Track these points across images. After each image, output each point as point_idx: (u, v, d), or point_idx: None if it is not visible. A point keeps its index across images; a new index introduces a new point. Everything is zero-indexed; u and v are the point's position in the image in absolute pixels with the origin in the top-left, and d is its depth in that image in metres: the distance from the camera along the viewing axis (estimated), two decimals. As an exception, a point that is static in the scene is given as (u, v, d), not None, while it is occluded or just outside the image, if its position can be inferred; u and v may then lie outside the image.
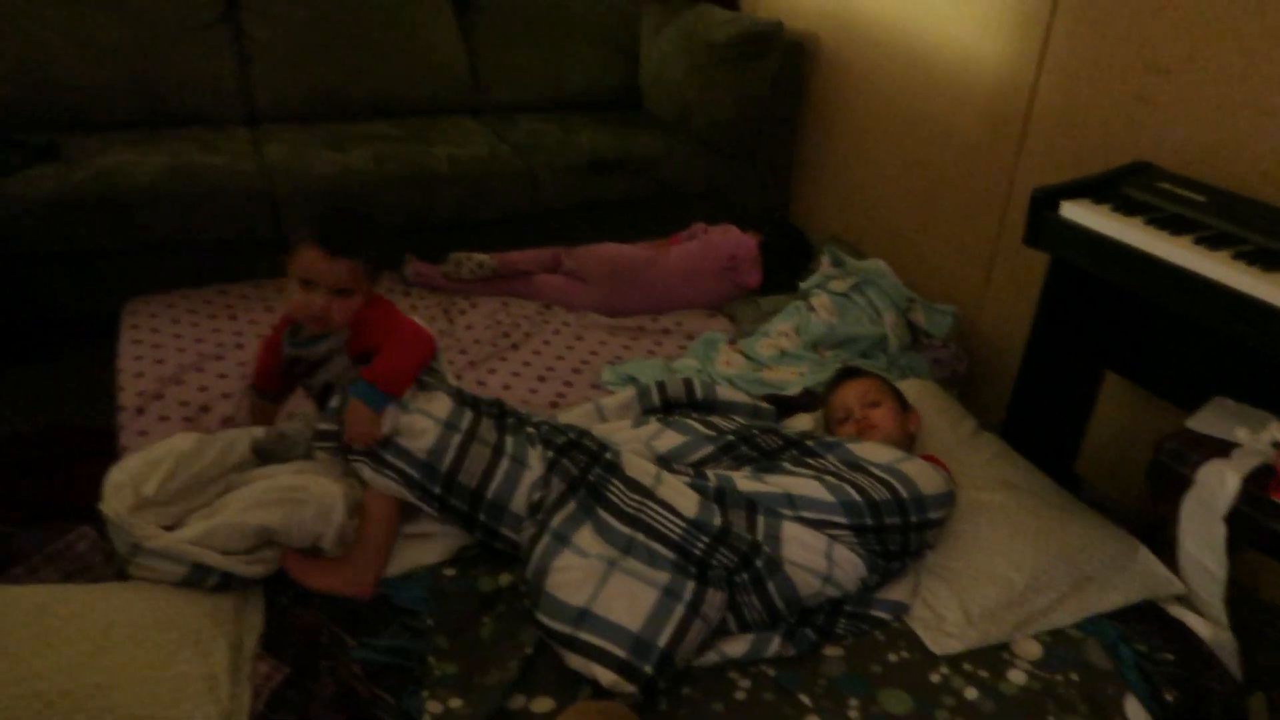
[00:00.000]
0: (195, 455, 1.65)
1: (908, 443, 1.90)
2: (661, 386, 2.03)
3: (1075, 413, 2.25)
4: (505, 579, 1.67)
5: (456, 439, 1.65)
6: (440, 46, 3.16)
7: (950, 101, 2.58)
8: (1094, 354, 2.14)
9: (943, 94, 2.60)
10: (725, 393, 2.07)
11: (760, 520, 1.63)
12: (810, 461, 1.79)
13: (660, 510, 1.60)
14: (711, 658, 1.52)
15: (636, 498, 1.63)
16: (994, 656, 1.58)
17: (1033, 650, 1.60)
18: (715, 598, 1.52)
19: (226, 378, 2.21)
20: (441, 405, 1.68)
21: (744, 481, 1.71)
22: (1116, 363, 2.12)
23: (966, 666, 1.56)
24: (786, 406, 2.18)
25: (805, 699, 1.48)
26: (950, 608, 1.62)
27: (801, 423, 2.09)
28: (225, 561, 1.54)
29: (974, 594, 1.63)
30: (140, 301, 2.47)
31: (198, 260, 2.63)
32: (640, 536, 1.57)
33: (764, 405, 2.08)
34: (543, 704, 1.44)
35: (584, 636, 1.44)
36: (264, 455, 1.73)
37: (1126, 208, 1.81)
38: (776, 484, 1.70)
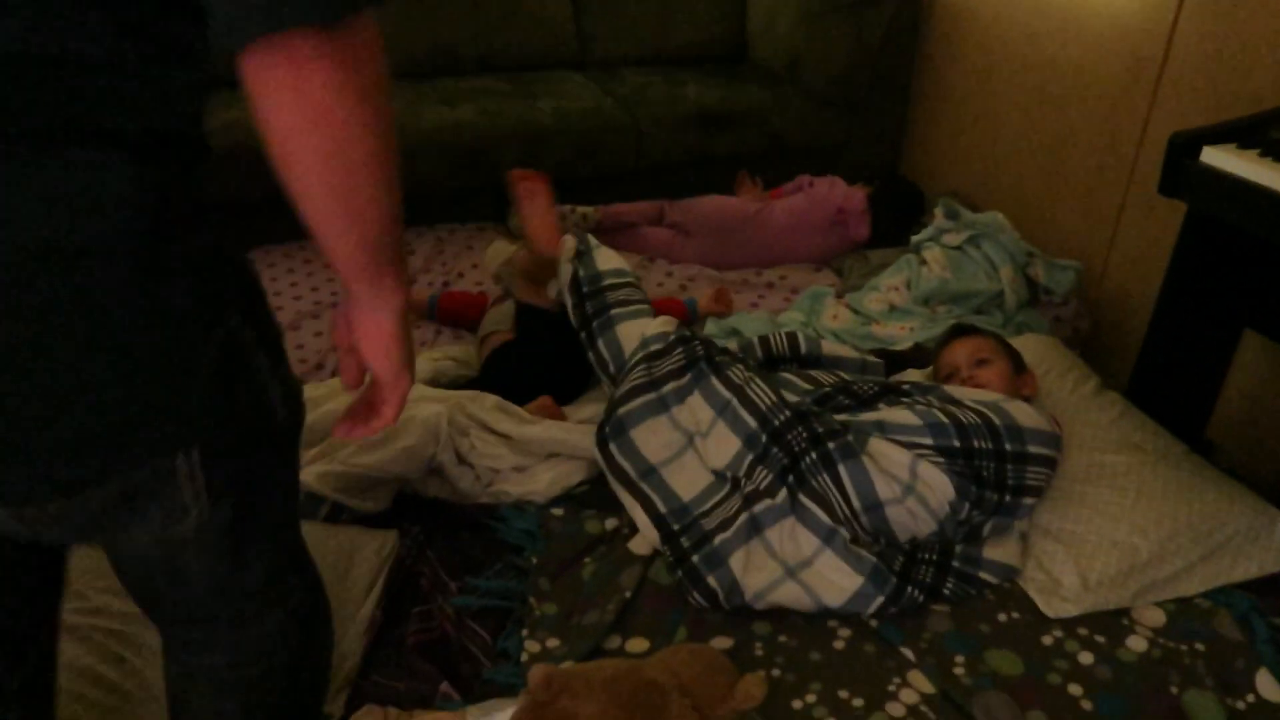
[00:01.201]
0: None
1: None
2: (765, 341, 1.99)
3: (1208, 374, 2.11)
4: (611, 523, 1.68)
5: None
6: (546, 1, 3.15)
7: (1079, 45, 2.44)
8: (1232, 311, 2.00)
9: (1071, 37, 2.46)
10: (831, 347, 2.01)
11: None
12: (903, 400, 1.76)
13: (761, 385, 1.72)
14: (806, 602, 1.49)
15: (746, 374, 1.75)
16: (1112, 622, 1.51)
17: (1155, 617, 1.52)
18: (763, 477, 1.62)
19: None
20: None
21: (837, 416, 1.69)
22: (1258, 321, 1.98)
23: (1082, 630, 1.49)
24: (895, 362, 2.11)
25: (908, 653, 1.44)
26: (1067, 572, 1.55)
27: (911, 378, 2.02)
28: (336, 495, 1.60)
29: (1094, 560, 1.55)
30: (262, 252, 2.56)
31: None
32: (735, 401, 1.70)
33: (872, 359, 2.02)
34: (637, 644, 1.44)
35: (644, 486, 1.65)
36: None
37: (1276, 153, 1.67)
38: (868, 416, 1.69)
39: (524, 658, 1.43)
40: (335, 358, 2.15)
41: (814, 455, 1.58)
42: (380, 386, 0.89)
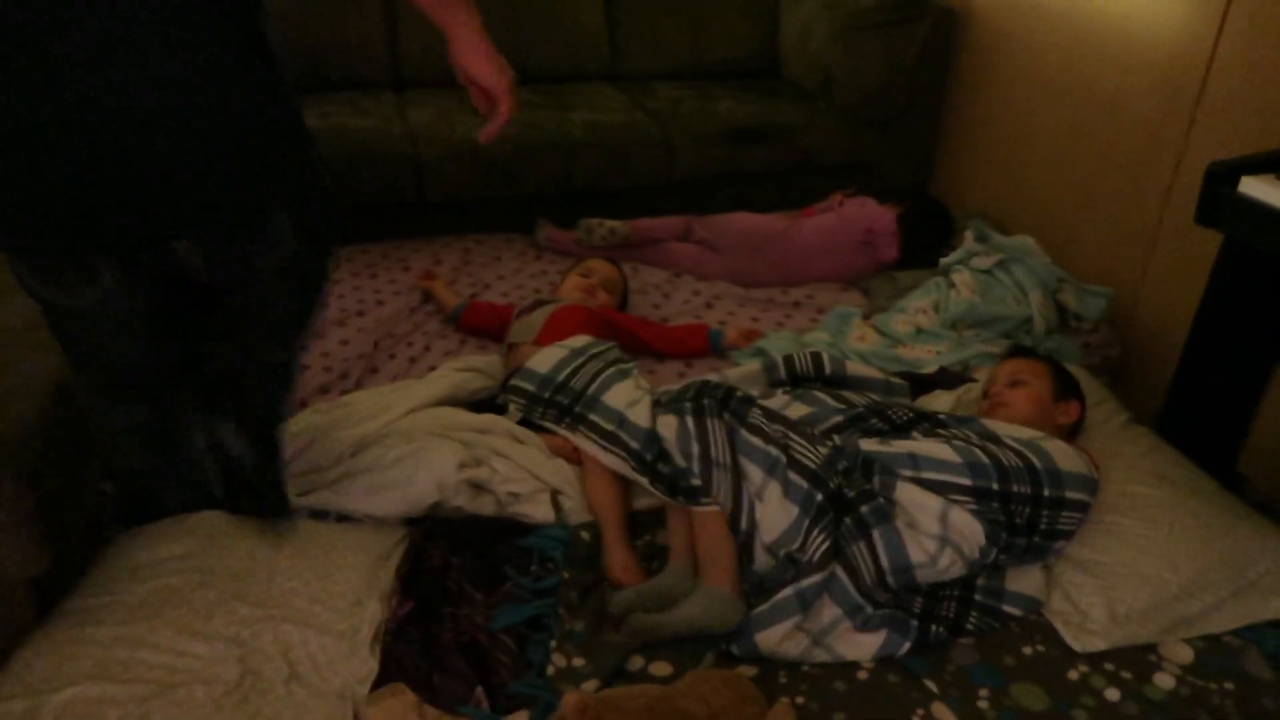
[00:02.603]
0: (318, 436, 1.80)
1: (1054, 432, 1.78)
2: (790, 360, 1.99)
3: (1241, 406, 2.09)
4: (639, 542, 1.68)
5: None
6: (581, 13, 3.16)
7: (1115, 70, 2.42)
8: (1266, 344, 1.98)
9: (1107, 61, 2.44)
10: (856, 368, 2.00)
11: (875, 479, 1.59)
12: (941, 432, 1.73)
13: (800, 440, 1.63)
14: (833, 658, 1.48)
15: (779, 426, 1.66)
16: (1139, 658, 1.49)
17: (1183, 654, 1.50)
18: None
19: (364, 332, 2.30)
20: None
21: (868, 443, 1.66)
22: (1293, 355, 1.96)
23: (1108, 666, 1.48)
24: (922, 385, 2.10)
25: (932, 685, 1.43)
26: (1095, 604, 1.53)
27: (938, 401, 2.01)
28: (338, 510, 1.71)
29: (1122, 592, 1.53)
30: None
31: (344, 219, 2.72)
32: (783, 459, 1.59)
33: (897, 381, 2.01)
34: (661, 668, 1.44)
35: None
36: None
37: (1316, 185, 1.65)
38: (901, 446, 1.64)
39: (550, 670, 1.43)
40: (361, 366, 2.17)
41: (848, 521, 1.53)
42: (491, 88, 1.36)
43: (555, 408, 1.84)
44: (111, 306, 1.27)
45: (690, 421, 1.61)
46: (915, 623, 1.49)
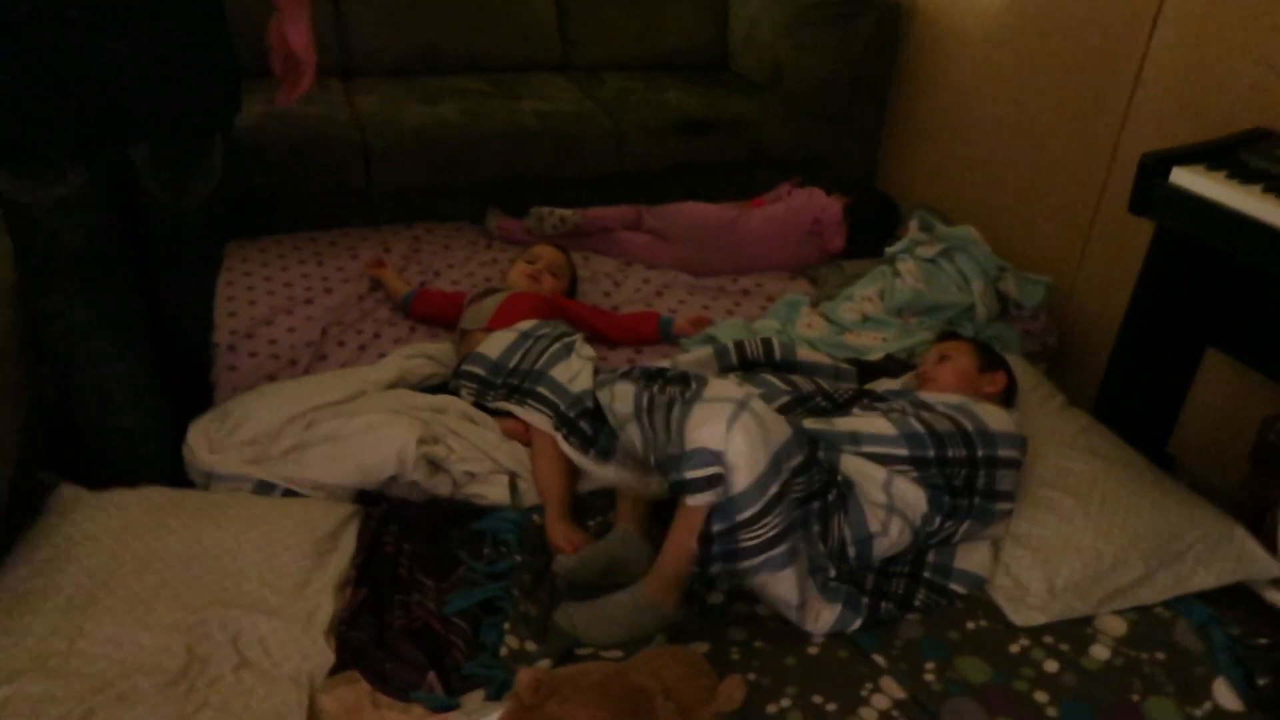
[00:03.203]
0: (269, 412, 1.78)
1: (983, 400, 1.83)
2: (740, 346, 2.01)
3: (1172, 390, 2.16)
4: (592, 523, 1.70)
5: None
6: (531, 2, 3.15)
7: (1053, 63, 2.49)
8: (1196, 330, 2.05)
9: (1046, 56, 2.51)
10: (806, 354, 2.04)
11: (821, 455, 1.61)
12: (878, 405, 1.79)
13: None
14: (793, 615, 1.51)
15: None
16: (1076, 631, 1.54)
17: (1118, 626, 1.55)
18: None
19: (312, 320, 2.27)
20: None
21: (811, 422, 1.69)
22: (1221, 339, 2.03)
23: (1047, 639, 1.53)
24: (869, 371, 2.14)
25: (880, 659, 1.46)
26: (1034, 578, 1.58)
27: (884, 386, 2.05)
28: (285, 483, 1.70)
29: (1059, 565, 1.59)
30: (237, 245, 2.54)
31: (292, 207, 2.69)
32: None
33: (845, 366, 2.05)
34: (611, 650, 1.45)
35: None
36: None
37: (1244, 175, 1.72)
38: (843, 424, 1.68)
39: (504, 652, 1.44)
40: (309, 354, 2.14)
41: (816, 505, 1.54)
42: (304, 60, 1.61)
43: (505, 388, 1.87)
44: (74, 204, 1.50)
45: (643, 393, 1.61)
46: (866, 599, 1.53)
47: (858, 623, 1.52)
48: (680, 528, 1.45)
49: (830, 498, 1.53)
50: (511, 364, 1.91)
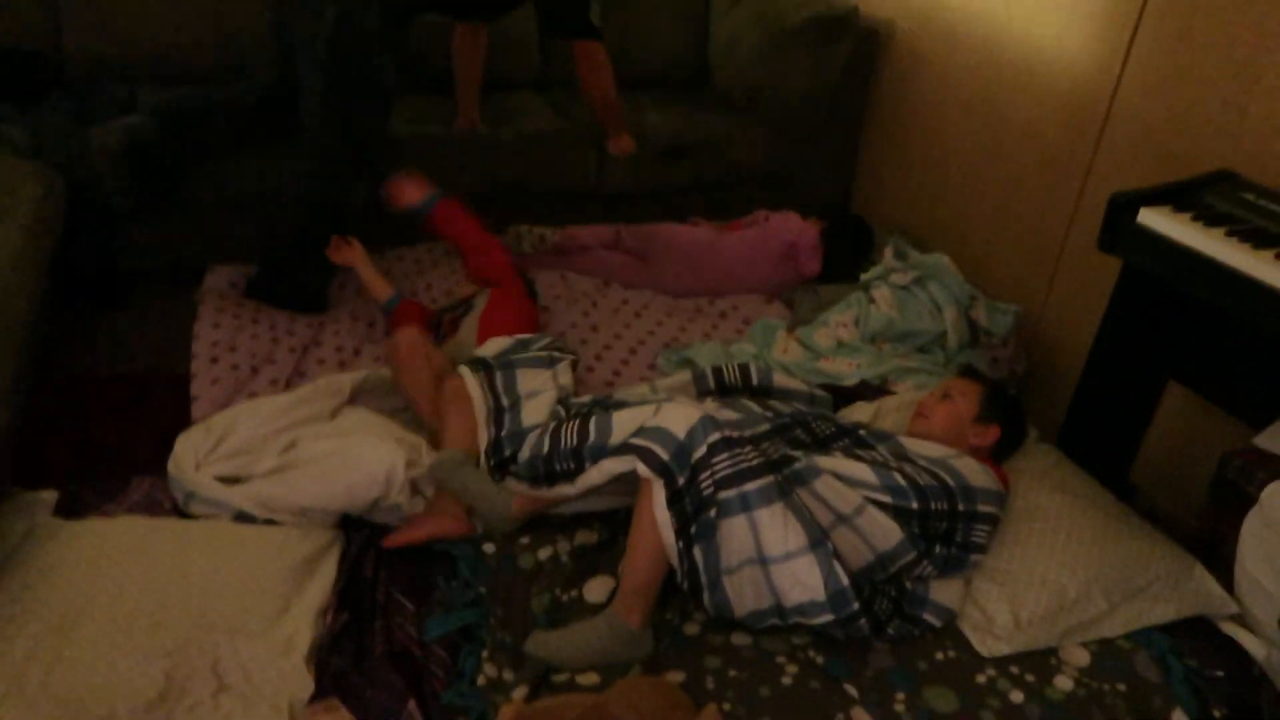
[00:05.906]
0: (253, 422, 1.80)
1: (966, 451, 1.82)
2: (718, 371, 2.04)
3: (1135, 420, 2.22)
4: (545, 553, 1.71)
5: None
6: (510, 20, 3.16)
7: (1026, 97, 2.54)
8: (1160, 363, 2.11)
9: (1019, 89, 2.56)
10: (782, 380, 2.07)
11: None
12: (860, 452, 1.79)
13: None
14: (765, 601, 1.50)
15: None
16: (1041, 662, 1.58)
17: (1081, 658, 1.60)
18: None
19: (294, 335, 2.27)
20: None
21: (794, 454, 1.70)
22: (1183, 373, 2.09)
23: (1013, 669, 1.57)
24: (843, 396, 2.18)
25: (851, 689, 1.49)
26: (1000, 610, 1.62)
27: (858, 412, 2.09)
28: (265, 514, 1.68)
29: (1025, 598, 1.63)
30: (220, 265, 2.54)
31: (274, 220, 2.67)
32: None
33: (820, 393, 2.09)
34: (588, 677, 1.48)
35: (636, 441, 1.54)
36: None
37: (1209, 218, 1.77)
38: (824, 464, 1.68)
39: (481, 680, 1.45)
40: (290, 370, 2.14)
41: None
42: None
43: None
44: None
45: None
46: (855, 607, 1.49)
47: (828, 618, 1.48)
48: (639, 525, 1.50)
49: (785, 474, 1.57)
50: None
